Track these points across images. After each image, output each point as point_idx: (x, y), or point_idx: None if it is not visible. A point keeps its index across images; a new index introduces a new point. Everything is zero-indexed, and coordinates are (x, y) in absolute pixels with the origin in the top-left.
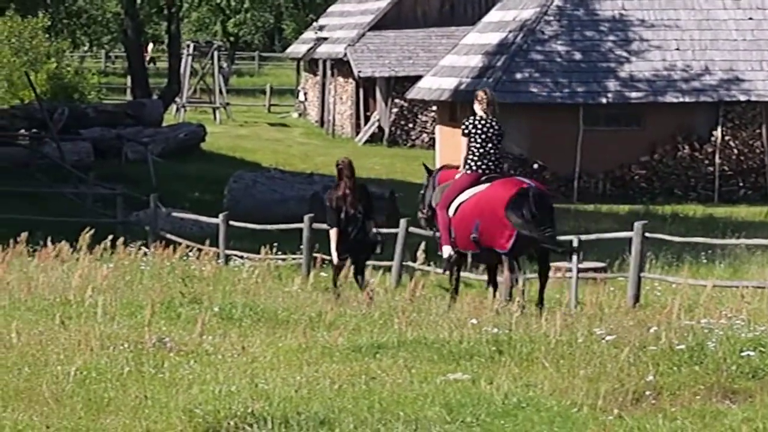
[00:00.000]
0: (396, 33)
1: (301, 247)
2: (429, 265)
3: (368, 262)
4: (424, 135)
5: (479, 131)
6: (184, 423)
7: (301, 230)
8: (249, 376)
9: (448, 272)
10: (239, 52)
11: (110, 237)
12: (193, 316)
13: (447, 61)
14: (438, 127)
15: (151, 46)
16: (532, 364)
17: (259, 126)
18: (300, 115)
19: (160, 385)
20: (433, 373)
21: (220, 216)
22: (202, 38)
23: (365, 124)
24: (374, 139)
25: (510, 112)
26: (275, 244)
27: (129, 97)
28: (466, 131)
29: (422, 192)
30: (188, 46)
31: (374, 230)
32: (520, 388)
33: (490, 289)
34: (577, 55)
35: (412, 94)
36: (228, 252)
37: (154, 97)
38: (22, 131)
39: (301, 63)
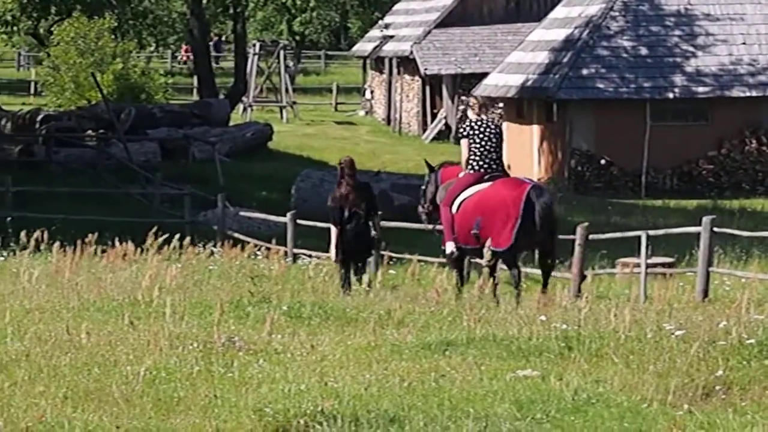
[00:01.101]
0: (462, 30)
1: None
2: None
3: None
4: None
5: (477, 132)
6: (254, 422)
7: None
8: (318, 374)
9: (454, 268)
10: (305, 51)
11: (177, 237)
12: (261, 315)
13: (513, 58)
14: (505, 124)
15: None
16: (601, 360)
17: (325, 124)
18: (367, 113)
19: (230, 384)
20: (503, 369)
21: (288, 215)
22: (267, 37)
23: (432, 121)
24: (441, 136)
25: (576, 108)
26: None
27: (195, 97)
28: (464, 133)
29: (423, 188)
30: (254, 45)
31: (372, 229)
32: (589, 384)
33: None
34: (643, 50)
35: (478, 91)
36: (296, 251)
37: (221, 96)
38: (90, 132)
39: (368, 61)
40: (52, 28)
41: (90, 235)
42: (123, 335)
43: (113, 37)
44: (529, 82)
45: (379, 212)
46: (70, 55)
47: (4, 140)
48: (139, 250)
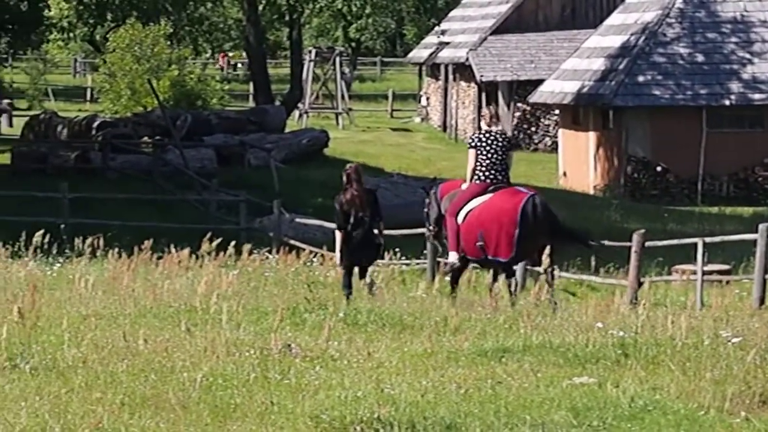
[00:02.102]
0: (518, 37)
1: (425, 251)
2: (553, 268)
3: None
4: (547, 138)
5: (485, 144)
6: (311, 428)
7: (423, 235)
8: (375, 381)
9: (449, 277)
10: (361, 58)
11: (233, 243)
12: (318, 321)
13: (569, 65)
14: (561, 131)
15: (231, 53)
16: (658, 367)
17: (381, 131)
18: (422, 119)
19: (287, 391)
20: (559, 376)
21: None
22: (323, 44)
23: None
24: None
25: (632, 115)
26: (398, 249)
27: (252, 103)
28: (473, 144)
29: (426, 210)
30: (310, 52)
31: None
32: (646, 391)
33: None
34: (699, 57)
35: (534, 97)
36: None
37: (277, 103)
38: (146, 138)
39: (423, 68)
40: (108, 35)
41: (146, 241)
42: (180, 342)
43: (169, 43)
44: (585, 89)
45: (383, 218)
46: (126, 61)
47: (61, 147)
48: (195, 256)
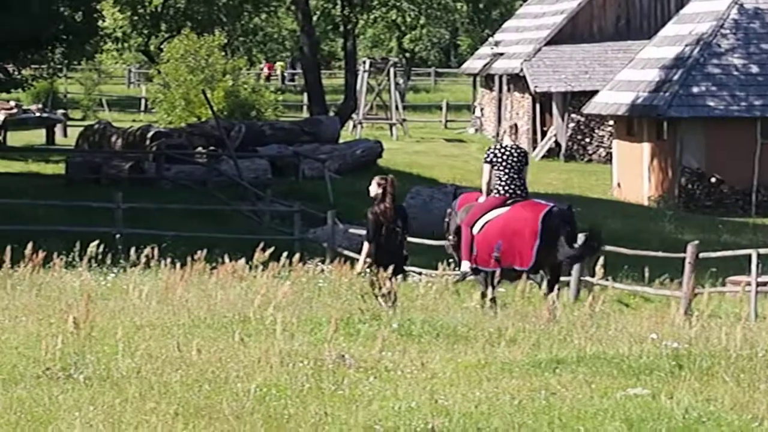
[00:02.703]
0: (572, 48)
1: None
2: (607, 279)
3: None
4: (601, 149)
5: (500, 159)
6: None
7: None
8: (429, 392)
9: (481, 284)
10: (415, 68)
11: (287, 254)
12: (372, 332)
13: (623, 76)
14: (615, 142)
15: (279, 64)
16: (712, 379)
17: (435, 142)
18: (476, 130)
19: (340, 401)
20: (613, 388)
21: None
22: (377, 54)
23: (542, 139)
24: (551, 154)
25: (687, 126)
26: (453, 259)
27: (306, 114)
28: (488, 159)
29: (447, 220)
30: (364, 62)
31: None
32: (700, 402)
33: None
34: (754, 68)
35: (588, 108)
36: (405, 268)
37: (331, 113)
38: (200, 149)
39: (477, 78)
40: (163, 45)
41: (200, 251)
42: (234, 352)
43: (223, 54)
44: (640, 100)
45: (408, 232)
46: (181, 72)
47: (115, 157)
48: (248, 267)
